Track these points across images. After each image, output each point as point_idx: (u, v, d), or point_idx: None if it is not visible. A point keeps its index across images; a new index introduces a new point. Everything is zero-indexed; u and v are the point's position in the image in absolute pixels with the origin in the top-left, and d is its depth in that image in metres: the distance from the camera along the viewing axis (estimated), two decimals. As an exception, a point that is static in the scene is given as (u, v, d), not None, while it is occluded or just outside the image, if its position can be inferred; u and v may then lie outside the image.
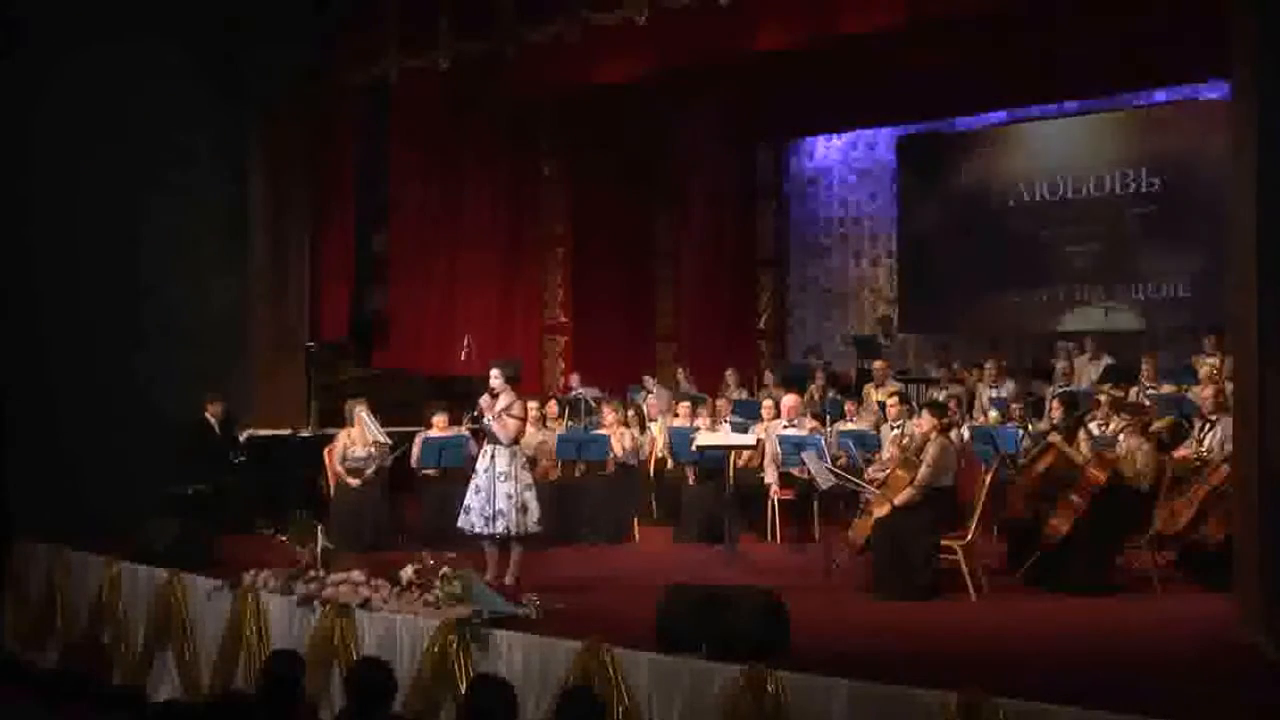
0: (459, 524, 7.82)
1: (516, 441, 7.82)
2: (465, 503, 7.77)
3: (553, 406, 11.36)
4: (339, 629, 6.90)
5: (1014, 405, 10.59)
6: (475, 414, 7.84)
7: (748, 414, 10.99)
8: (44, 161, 10.09)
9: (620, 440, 10.45)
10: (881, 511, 7.67)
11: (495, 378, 7.84)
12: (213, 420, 10.60)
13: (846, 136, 16.50)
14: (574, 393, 13.11)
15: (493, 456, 7.71)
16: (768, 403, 10.85)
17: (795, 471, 9.63)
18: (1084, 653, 6.22)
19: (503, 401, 7.77)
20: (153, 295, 10.60)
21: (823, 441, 9.71)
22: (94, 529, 8.96)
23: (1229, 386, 8.18)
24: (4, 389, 9.81)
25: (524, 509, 7.71)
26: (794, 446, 9.48)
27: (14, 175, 9.98)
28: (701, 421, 10.76)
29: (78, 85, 10.16)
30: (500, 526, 7.65)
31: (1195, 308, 13.31)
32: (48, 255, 10.09)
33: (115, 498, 9.25)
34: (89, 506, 9.22)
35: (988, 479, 7.87)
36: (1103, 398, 9.74)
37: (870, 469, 8.35)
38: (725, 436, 10.04)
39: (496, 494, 7.65)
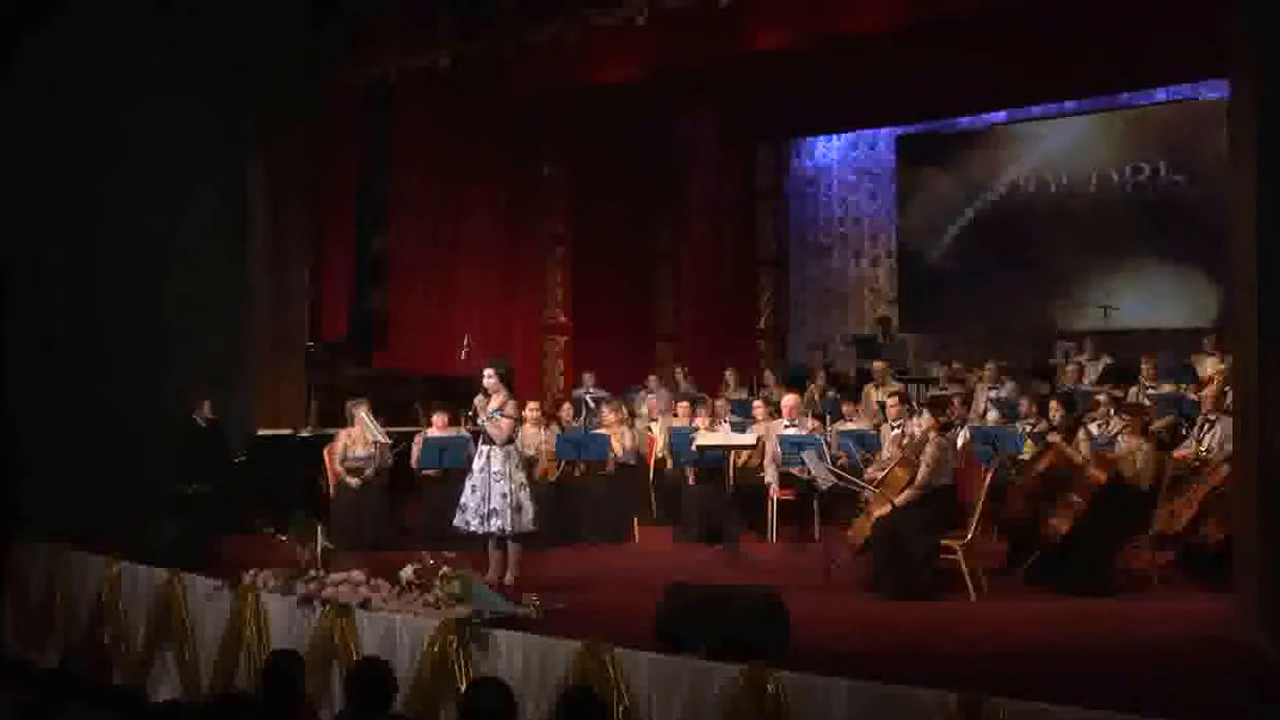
0: (455, 522, 7.87)
1: (510, 441, 7.85)
2: (461, 501, 7.83)
3: (567, 409, 11.34)
4: (339, 629, 6.90)
5: (1024, 401, 10.56)
6: (470, 414, 7.84)
7: (745, 413, 10.98)
8: (52, 165, 10.12)
9: (620, 440, 10.45)
10: (881, 511, 7.67)
11: (489, 377, 7.89)
12: (199, 420, 10.62)
13: (846, 136, 16.52)
14: (577, 392, 13.13)
15: (488, 456, 7.75)
16: (758, 402, 10.86)
17: (795, 471, 9.62)
18: (1084, 652, 6.21)
19: (496, 401, 7.80)
20: (154, 295, 10.61)
21: (823, 441, 9.70)
22: (99, 527, 8.96)
23: (1229, 386, 8.18)
24: (12, 388, 9.83)
25: (519, 508, 7.73)
26: (794, 446, 9.47)
27: (22, 177, 10.00)
28: (700, 421, 10.76)
29: (84, 91, 10.21)
30: (495, 525, 7.70)
31: (1195, 308, 13.32)
32: (55, 256, 10.12)
33: (120, 496, 9.27)
34: (94, 505, 9.23)
35: (988, 479, 7.87)
36: (1102, 398, 9.75)
37: (870, 469, 8.34)
38: (725, 436, 10.04)
39: (491, 493, 7.69)
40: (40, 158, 10.08)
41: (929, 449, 7.70)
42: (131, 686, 7.70)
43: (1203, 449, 8.54)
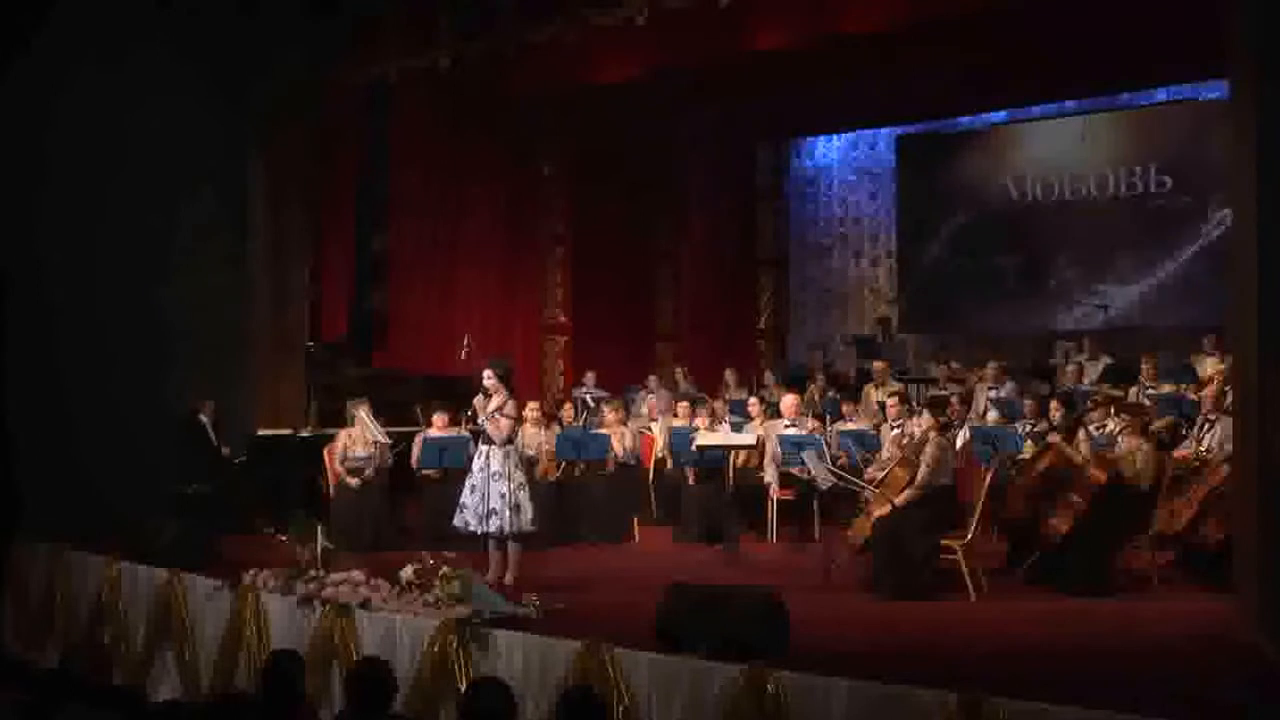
0: (454, 522, 7.89)
1: (510, 441, 7.86)
2: (460, 501, 7.86)
3: (568, 409, 11.36)
4: (339, 629, 6.90)
5: (1025, 401, 10.58)
6: (469, 414, 7.86)
7: (745, 413, 10.97)
8: (52, 165, 10.12)
9: (620, 440, 10.45)
10: (881, 511, 7.67)
11: (488, 378, 7.92)
12: (205, 420, 10.62)
13: (846, 136, 16.53)
14: (577, 392, 13.14)
15: (487, 456, 7.78)
16: (753, 400, 10.86)
17: (795, 471, 9.62)
18: (1084, 652, 6.22)
19: (495, 401, 7.81)
20: (154, 295, 10.61)
21: (823, 441, 9.70)
22: (99, 527, 8.96)
23: (1229, 386, 8.18)
24: (12, 388, 9.83)
25: (517, 508, 7.74)
26: (794, 446, 9.46)
27: (22, 177, 9.99)
28: (700, 421, 10.76)
29: (84, 91, 10.21)
30: (494, 525, 7.72)
31: (1195, 308, 13.32)
32: (55, 256, 10.12)
33: (120, 496, 9.27)
34: (94, 505, 9.22)
35: (987, 479, 7.87)
36: (1101, 398, 9.74)
37: (870, 469, 8.34)
38: (725, 436, 10.04)
39: (490, 493, 7.71)
40: (40, 158, 10.07)
41: (929, 449, 7.70)
42: (131, 686, 7.70)
43: (1203, 449, 8.54)
